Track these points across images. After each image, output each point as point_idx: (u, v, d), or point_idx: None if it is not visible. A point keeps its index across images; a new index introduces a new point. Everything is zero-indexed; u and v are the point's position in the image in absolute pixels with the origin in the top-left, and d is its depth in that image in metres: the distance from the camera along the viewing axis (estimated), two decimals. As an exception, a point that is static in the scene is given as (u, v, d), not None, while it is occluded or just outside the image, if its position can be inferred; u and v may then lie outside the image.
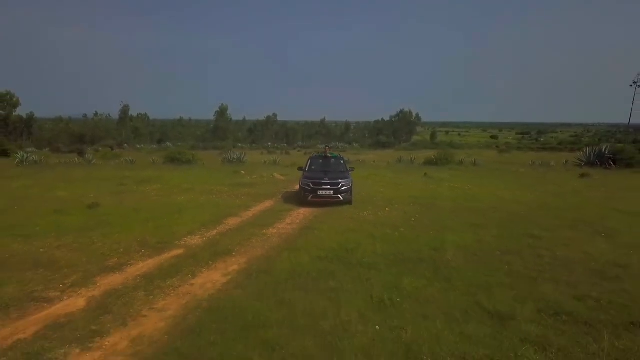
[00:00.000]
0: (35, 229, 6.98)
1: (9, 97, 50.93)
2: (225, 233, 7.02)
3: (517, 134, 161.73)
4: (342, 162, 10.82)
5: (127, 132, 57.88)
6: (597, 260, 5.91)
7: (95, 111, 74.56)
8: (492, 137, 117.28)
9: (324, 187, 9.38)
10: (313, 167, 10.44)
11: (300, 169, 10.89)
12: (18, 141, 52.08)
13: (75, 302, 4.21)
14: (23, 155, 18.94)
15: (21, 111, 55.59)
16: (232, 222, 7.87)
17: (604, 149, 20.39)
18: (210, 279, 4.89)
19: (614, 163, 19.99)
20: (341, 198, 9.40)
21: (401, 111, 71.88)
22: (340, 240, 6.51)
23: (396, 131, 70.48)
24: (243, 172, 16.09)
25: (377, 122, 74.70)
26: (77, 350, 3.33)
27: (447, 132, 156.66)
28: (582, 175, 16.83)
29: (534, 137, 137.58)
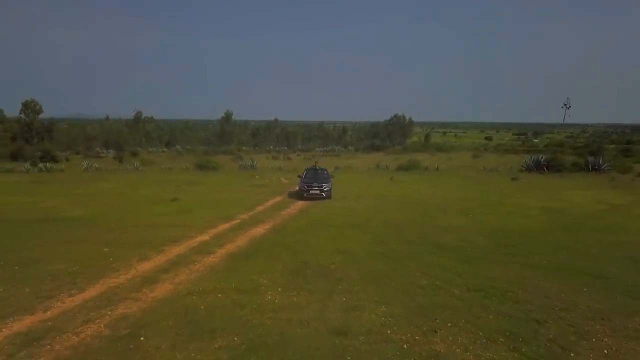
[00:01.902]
0: (152, 212, 12.98)
1: (32, 104, 56.89)
2: (258, 213, 13.05)
3: (513, 134, 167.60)
4: (325, 172, 16.92)
5: (140, 136, 63.76)
6: (451, 225, 11.89)
7: (107, 115, 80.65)
8: (486, 138, 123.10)
9: (314, 188, 15.41)
10: (307, 175, 16.48)
11: (299, 176, 16.92)
12: (40, 145, 58.02)
13: (204, 238, 10.20)
14: (88, 163, 24.91)
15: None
16: (260, 208, 13.91)
17: (540, 158, 26.36)
18: (257, 231, 10.88)
19: (547, 169, 25.97)
20: (324, 195, 15.43)
21: (395, 115, 77.98)
22: (320, 216, 12.54)
23: (391, 134, 76.39)
24: (257, 176, 22.16)
25: (373, 125, 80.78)
26: (217, 249, 9.30)
27: (444, 133, 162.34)
28: (513, 179, 22.81)
29: (530, 138, 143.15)
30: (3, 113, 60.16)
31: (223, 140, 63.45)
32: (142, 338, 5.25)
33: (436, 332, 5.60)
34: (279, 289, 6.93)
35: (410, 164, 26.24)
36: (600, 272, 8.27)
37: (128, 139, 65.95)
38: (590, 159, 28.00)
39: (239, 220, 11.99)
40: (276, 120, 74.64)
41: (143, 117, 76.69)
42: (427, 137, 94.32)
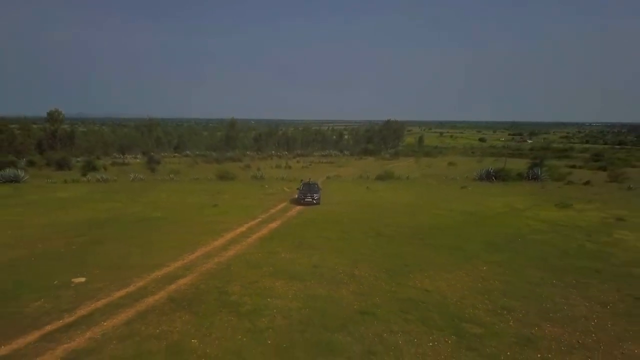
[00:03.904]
0: (204, 214, 20.62)
1: (56, 114, 64.57)
2: (271, 214, 20.70)
3: (509, 134, 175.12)
4: (316, 185, 24.56)
5: (152, 142, 71.34)
6: (394, 222, 19.51)
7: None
8: (480, 139, 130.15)
9: (308, 197, 23.03)
10: (303, 188, 24.07)
11: (297, 188, 24.53)
12: (63, 151, 65.60)
13: (242, 229, 17.81)
14: (135, 175, 32.44)
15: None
16: (272, 211, 21.55)
17: (490, 169, 33.95)
18: (272, 225, 18.53)
19: (495, 178, 33.55)
20: (315, 202, 23.04)
21: (388, 121, 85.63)
22: (311, 217, 20.21)
23: (384, 138, 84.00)
24: (266, 186, 29.79)
25: (367, 130, 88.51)
26: (252, 235, 16.92)
27: (441, 134, 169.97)
28: (462, 187, 30.40)
29: (524, 139, 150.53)
30: (29, 122, 67.52)
31: (228, 145, 71.04)
32: (231, 267, 12.92)
33: (357, 267, 13.26)
34: (288, 252, 14.56)
35: (386, 174, 33.82)
36: (462, 247, 15.89)
37: (140, 144, 73.59)
38: (536, 169, 35.57)
39: (260, 219, 19.62)
40: (277, 127, 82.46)
41: (146, 119, 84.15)
42: (420, 139, 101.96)
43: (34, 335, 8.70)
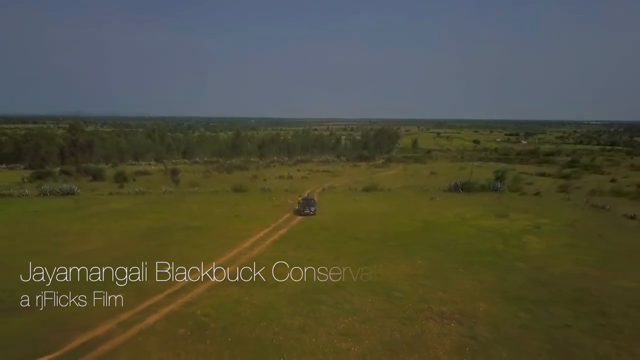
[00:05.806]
0: (230, 223, 28.93)
1: (78, 125, 72.87)
2: (279, 223, 29.00)
3: (505, 134, 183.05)
4: (313, 200, 32.88)
5: (164, 149, 79.54)
6: (367, 228, 27.81)
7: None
8: (474, 141, 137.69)
9: (306, 209, 31.31)
10: (303, 202, 32.32)
11: (298, 202, 32.82)
12: (84, 157, 73.84)
13: (260, 235, 26.07)
14: (165, 188, 40.62)
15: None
16: (280, 220, 29.84)
17: (457, 182, 42.14)
18: (281, 232, 26.79)
19: (462, 190, 41.74)
20: (312, 213, 31.31)
21: (382, 128, 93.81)
22: (308, 224, 28.53)
23: (379, 143, 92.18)
24: (273, 198, 38.07)
25: (363, 136, 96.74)
26: (268, 239, 25.23)
27: (438, 134, 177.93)
28: (432, 199, 38.62)
29: (519, 140, 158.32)
30: (53, 131, 75.62)
31: (234, 152, 79.22)
32: (257, 261, 21.22)
33: (337, 260, 21.56)
34: (293, 251, 22.81)
35: (371, 186, 42.02)
36: (411, 247, 24.16)
37: (151, 150, 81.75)
38: (497, 182, 43.75)
39: (272, 227, 27.86)
40: (278, 135, 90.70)
41: (146, 118, 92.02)
42: (414, 143, 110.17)
43: (161, 297, 17.00)
